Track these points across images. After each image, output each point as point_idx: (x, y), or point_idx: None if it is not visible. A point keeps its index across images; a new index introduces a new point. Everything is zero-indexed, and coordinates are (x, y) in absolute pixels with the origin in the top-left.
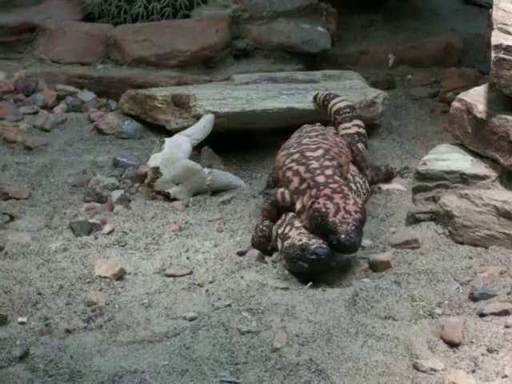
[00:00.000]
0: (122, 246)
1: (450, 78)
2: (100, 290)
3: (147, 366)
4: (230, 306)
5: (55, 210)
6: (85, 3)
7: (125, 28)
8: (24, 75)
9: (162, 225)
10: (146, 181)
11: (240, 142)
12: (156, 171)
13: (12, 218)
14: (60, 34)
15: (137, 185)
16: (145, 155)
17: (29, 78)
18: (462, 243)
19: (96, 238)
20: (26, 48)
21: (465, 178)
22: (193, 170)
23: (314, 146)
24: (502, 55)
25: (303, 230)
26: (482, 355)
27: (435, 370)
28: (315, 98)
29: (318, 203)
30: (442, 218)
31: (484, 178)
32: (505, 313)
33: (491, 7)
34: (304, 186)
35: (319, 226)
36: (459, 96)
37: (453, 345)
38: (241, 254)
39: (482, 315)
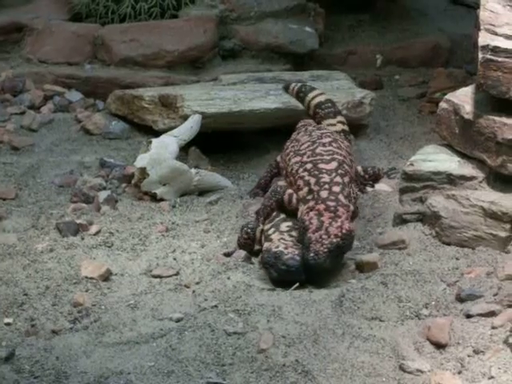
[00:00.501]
0: (109, 247)
1: (438, 79)
2: (86, 291)
3: (133, 367)
4: (216, 306)
5: (42, 211)
6: (72, 3)
7: (112, 28)
8: (11, 75)
9: (148, 225)
10: (132, 181)
11: (227, 142)
12: (143, 172)
13: None
14: (47, 34)
15: (124, 185)
16: (132, 156)
17: (16, 78)
18: (448, 244)
19: (82, 239)
20: (14, 48)
21: (452, 179)
22: (180, 171)
23: (329, 158)
24: (489, 56)
25: (285, 236)
26: (469, 356)
27: (421, 371)
28: (287, 88)
29: (307, 215)
30: (429, 218)
31: (471, 178)
32: (491, 314)
33: (479, 8)
34: (309, 197)
35: (300, 236)
36: (446, 97)
37: (439, 346)
38: (227, 254)
39: (468, 316)
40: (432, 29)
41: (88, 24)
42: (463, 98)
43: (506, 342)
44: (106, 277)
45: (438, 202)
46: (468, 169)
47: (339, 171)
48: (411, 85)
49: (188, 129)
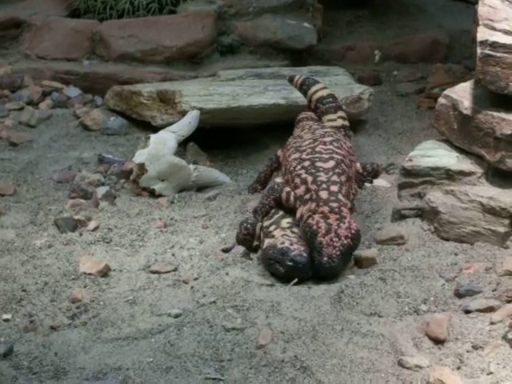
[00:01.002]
0: (107, 243)
1: (436, 74)
2: (85, 287)
3: (132, 363)
4: (214, 302)
5: (40, 207)
6: None
7: (111, 24)
8: (9, 71)
9: (147, 221)
10: (131, 177)
11: (226, 138)
12: (141, 167)
13: None
14: (46, 30)
15: (122, 181)
16: (130, 151)
17: (14, 73)
18: (447, 239)
19: (81, 235)
20: (12, 44)
21: (450, 175)
22: (178, 167)
23: (327, 157)
24: (487, 51)
25: (288, 233)
26: (467, 352)
27: (420, 367)
28: (291, 80)
29: (312, 219)
30: (428, 214)
31: (470, 174)
32: (490, 309)
33: (477, 3)
34: (307, 196)
35: (308, 241)
36: (445, 92)
37: (438, 341)
38: (226, 250)
39: (467, 312)
40: (431, 24)
41: (86, 20)
42: (462, 93)
43: (504, 337)
44: (105, 273)
45: (436, 197)
46: (467, 164)
47: (336, 170)
48: (410, 80)
49: (186, 124)
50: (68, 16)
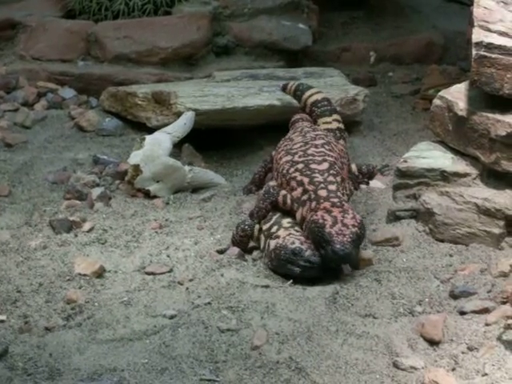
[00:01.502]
0: (102, 244)
1: (431, 76)
2: (80, 288)
3: (126, 364)
4: (209, 303)
5: (35, 208)
6: (66, 0)
7: (106, 25)
8: (4, 72)
9: (142, 222)
10: (126, 178)
11: (221, 139)
12: (136, 168)
13: None
14: (41, 31)
15: (117, 182)
16: (125, 152)
17: (9, 74)
18: (442, 241)
19: (76, 236)
20: (7, 45)
21: (445, 176)
22: (173, 168)
23: (320, 159)
24: (482, 52)
25: (293, 232)
26: (463, 353)
27: (415, 368)
28: (285, 87)
29: (316, 215)
30: (423, 215)
31: (465, 175)
32: (485, 311)
33: (472, 4)
34: (305, 197)
35: (316, 237)
36: (440, 93)
37: (433, 343)
38: (220, 252)
39: (462, 313)
40: (426, 26)
41: (81, 21)
42: (457, 94)
43: (499, 338)
44: (100, 274)
45: (431, 198)
46: (462, 165)
47: (331, 171)
48: (405, 82)
49: (181, 126)
50: (63, 17)
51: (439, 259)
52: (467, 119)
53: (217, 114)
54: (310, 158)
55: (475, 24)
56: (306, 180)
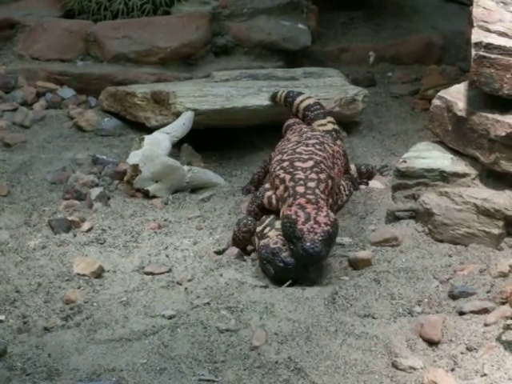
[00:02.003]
0: (101, 244)
1: (431, 76)
2: (78, 288)
3: (125, 365)
4: (208, 304)
5: (34, 208)
6: (65, 0)
7: (105, 25)
8: (3, 72)
9: (141, 222)
10: (125, 178)
11: (220, 139)
12: (135, 168)
13: None
14: (40, 31)
15: (116, 182)
16: (124, 152)
17: (8, 74)
18: (441, 241)
19: (75, 236)
20: (6, 45)
21: (445, 176)
22: (172, 168)
23: (306, 157)
24: (482, 53)
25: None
26: (462, 354)
27: (414, 369)
28: (274, 96)
29: (290, 210)
30: (422, 215)
31: (464, 175)
32: (484, 311)
33: (472, 4)
34: (286, 194)
35: (288, 232)
36: (439, 94)
37: (432, 343)
38: (218, 253)
39: (461, 313)
40: (425, 26)
41: (80, 21)
42: (456, 94)
43: (498, 339)
44: (98, 274)
45: (430, 199)
46: (461, 166)
47: (314, 169)
48: (404, 82)
49: (180, 125)
50: (62, 17)
51: (438, 259)
52: (466, 119)
53: (216, 113)
54: (297, 156)
55: (474, 24)
56: (287, 177)
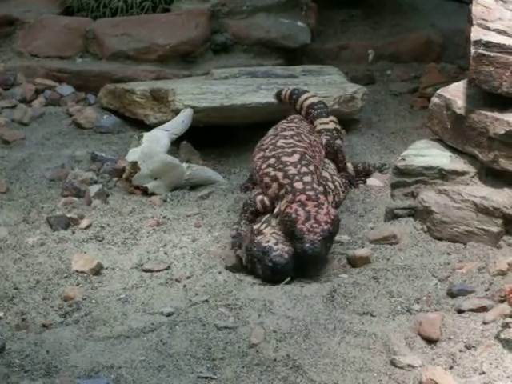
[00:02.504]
0: (100, 241)
1: (430, 74)
2: (77, 285)
3: (124, 362)
4: (207, 301)
5: (33, 205)
6: None
7: (104, 22)
8: (2, 69)
9: (139, 219)
10: (124, 175)
11: (219, 136)
12: (134, 166)
13: None
14: (39, 28)
15: (115, 179)
16: (123, 150)
17: (7, 71)
18: (440, 239)
19: (73, 233)
20: (5, 42)
21: (444, 174)
22: (171, 165)
23: (290, 150)
24: (481, 51)
25: (277, 230)
26: (460, 351)
27: (413, 367)
28: (279, 94)
29: (291, 208)
30: (421, 213)
31: (463, 173)
32: (483, 309)
33: (471, 2)
34: (283, 191)
35: (288, 231)
36: (438, 92)
37: (430, 341)
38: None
39: (460, 311)
40: (424, 24)
41: (79, 18)
42: (455, 92)
43: (497, 337)
44: (97, 271)
45: (429, 197)
46: (460, 164)
47: (303, 162)
48: (403, 80)
49: (179, 123)
50: (61, 14)
51: (437, 257)
52: (465, 117)
53: (215, 111)
54: (280, 150)
55: (474, 22)
56: (280, 174)
